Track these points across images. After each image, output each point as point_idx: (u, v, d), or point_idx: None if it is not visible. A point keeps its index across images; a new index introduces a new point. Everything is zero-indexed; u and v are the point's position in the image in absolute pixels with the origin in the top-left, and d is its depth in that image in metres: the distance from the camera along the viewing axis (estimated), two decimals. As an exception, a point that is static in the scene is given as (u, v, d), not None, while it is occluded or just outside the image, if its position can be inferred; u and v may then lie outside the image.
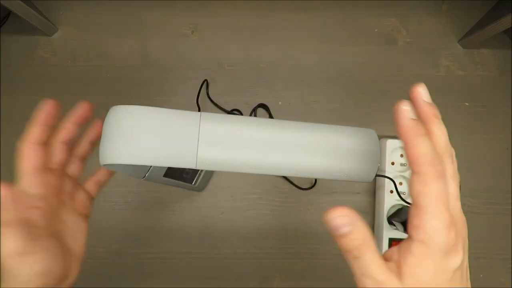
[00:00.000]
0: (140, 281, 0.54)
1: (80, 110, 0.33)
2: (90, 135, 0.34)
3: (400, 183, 0.54)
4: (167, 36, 0.58)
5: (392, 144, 0.53)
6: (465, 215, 0.52)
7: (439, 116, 0.24)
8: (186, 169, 0.44)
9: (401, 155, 0.54)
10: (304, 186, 0.55)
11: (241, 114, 0.55)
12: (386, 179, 0.52)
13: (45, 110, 0.32)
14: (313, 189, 0.56)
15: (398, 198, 0.52)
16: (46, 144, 0.31)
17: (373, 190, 0.56)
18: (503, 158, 0.57)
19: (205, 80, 0.55)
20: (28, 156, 0.30)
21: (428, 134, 0.23)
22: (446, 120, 0.59)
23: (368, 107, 0.57)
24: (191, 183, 0.47)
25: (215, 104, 0.56)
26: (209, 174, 0.53)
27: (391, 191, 0.52)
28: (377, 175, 0.53)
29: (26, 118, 0.57)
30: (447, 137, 0.24)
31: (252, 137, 0.24)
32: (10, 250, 0.25)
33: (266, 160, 0.24)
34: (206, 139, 0.23)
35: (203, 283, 0.54)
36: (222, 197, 0.55)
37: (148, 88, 0.57)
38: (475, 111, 0.58)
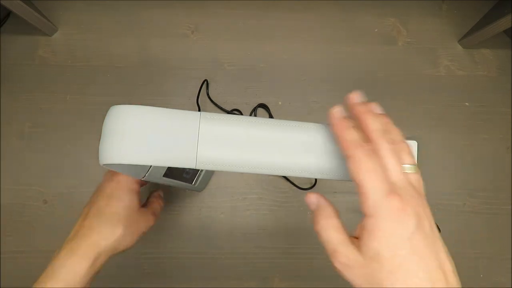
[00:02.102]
0: (140, 281, 0.54)
1: None
2: None
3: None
4: (167, 36, 0.58)
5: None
6: (465, 215, 0.52)
7: (375, 110, 0.26)
8: (186, 169, 0.44)
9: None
10: (304, 186, 0.55)
11: (241, 114, 0.55)
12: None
13: None
14: (313, 189, 0.56)
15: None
16: None
17: (373, 190, 0.56)
18: (503, 158, 0.57)
19: (205, 80, 0.55)
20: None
21: (356, 126, 0.25)
22: (446, 120, 0.59)
23: (368, 107, 0.57)
24: (191, 183, 0.47)
25: (215, 104, 0.56)
26: (209, 174, 0.52)
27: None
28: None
29: (26, 118, 0.57)
30: (380, 124, 0.25)
31: (252, 137, 0.24)
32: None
33: (266, 160, 0.24)
34: (206, 139, 0.23)
35: (203, 283, 0.54)
36: (222, 197, 0.55)
37: (148, 88, 0.57)
38: (475, 111, 0.58)
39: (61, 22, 0.58)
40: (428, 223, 0.22)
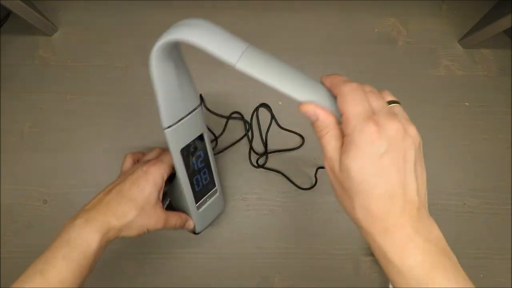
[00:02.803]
0: (140, 281, 0.54)
1: None
2: None
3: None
4: (167, 36, 0.58)
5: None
6: (465, 215, 0.53)
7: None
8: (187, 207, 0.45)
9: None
10: (304, 186, 0.55)
11: (241, 116, 0.56)
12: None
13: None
14: (313, 189, 0.56)
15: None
16: None
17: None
18: (503, 158, 0.57)
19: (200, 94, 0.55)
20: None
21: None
22: (446, 120, 0.59)
23: (368, 107, 0.57)
24: (196, 204, 0.45)
25: (211, 111, 0.56)
26: (212, 213, 0.50)
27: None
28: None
29: (26, 118, 0.57)
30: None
31: (279, 66, 0.31)
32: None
33: (286, 82, 0.30)
34: (249, 53, 0.30)
35: (203, 283, 0.54)
36: (222, 197, 0.55)
37: (148, 88, 0.57)
38: (475, 111, 0.58)
39: (61, 22, 0.58)
40: (403, 154, 0.25)
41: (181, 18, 0.61)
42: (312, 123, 0.28)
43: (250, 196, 0.56)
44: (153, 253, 0.54)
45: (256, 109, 0.56)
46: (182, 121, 0.37)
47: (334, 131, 0.26)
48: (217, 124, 0.56)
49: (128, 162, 0.44)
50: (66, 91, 0.56)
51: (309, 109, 0.27)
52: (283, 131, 0.56)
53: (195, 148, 0.42)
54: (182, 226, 0.45)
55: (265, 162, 0.56)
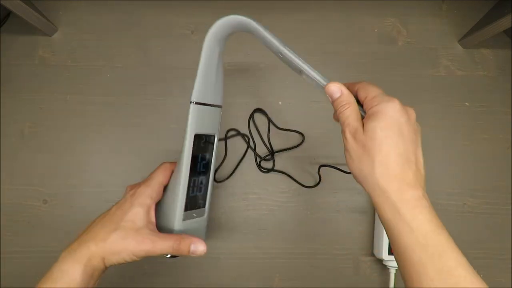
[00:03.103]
0: (140, 281, 0.54)
1: None
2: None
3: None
4: (167, 36, 0.58)
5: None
6: (465, 215, 0.53)
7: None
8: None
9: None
10: (308, 184, 0.55)
11: (238, 131, 0.56)
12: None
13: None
14: (314, 189, 0.56)
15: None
16: None
17: (373, 190, 0.56)
18: (503, 158, 0.57)
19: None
20: None
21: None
22: (446, 120, 0.59)
23: (368, 107, 0.57)
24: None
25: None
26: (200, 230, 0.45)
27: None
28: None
29: (26, 118, 0.57)
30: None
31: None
32: None
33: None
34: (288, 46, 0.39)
35: (203, 283, 0.54)
36: (222, 197, 0.55)
37: (148, 88, 0.57)
38: (475, 111, 0.58)
39: (61, 22, 0.58)
40: (414, 129, 0.31)
41: (181, 18, 0.62)
42: (335, 100, 0.33)
43: (250, 196, 0.56)
44: (153, 253, 0.54)
45: (251, 116, 0.56)
46: (207, 106, 0.41)
47: (354, 105, 0.32)
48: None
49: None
50: (66, 91, 0.56)
51: (336, 86, 0.33)
52: (281, 132, 0.56)
53: (205, 146, 0.42)
54: (182, 250, 0.38)
55: (274, 165, 0.56)
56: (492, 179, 0.56)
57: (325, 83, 0.35)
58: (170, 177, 0.41)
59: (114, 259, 0.36)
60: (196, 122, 0.40)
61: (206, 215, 0.44)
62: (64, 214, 0.54)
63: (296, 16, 0.58)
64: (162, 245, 0.37)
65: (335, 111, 0.33)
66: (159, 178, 0.40)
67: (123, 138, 0.56)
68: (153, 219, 0.38)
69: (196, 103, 0.40)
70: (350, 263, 0.55)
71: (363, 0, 0.59)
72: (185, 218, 0.41)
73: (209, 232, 0.55)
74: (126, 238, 0.35)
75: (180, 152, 0.44)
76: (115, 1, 0.58)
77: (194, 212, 0.42)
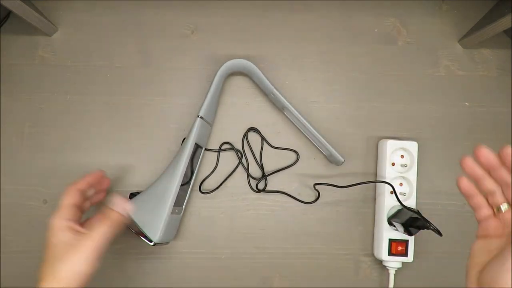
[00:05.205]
0: (140, 281, 0.54)
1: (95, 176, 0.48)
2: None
3: (401, 184, 0.54)
4: (167, 36, 0.58)
5: (392, 145, 0.53)
6: (465, 215, 0.54)
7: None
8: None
9: (402, 156, 0.54)
10: (307, 200, 0.55)
11: (232, 146, 0.56)
12: (387, 178, 0.52)
13: (94, 176, 0.48)
14: (317, 202, 0.56)
15: (400, 200, 0.52)
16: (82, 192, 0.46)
17: (374, 190, 0.56)
18: (503, 158, 0.57)
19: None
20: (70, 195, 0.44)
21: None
22: (446, 120, 0.59)
23: (368, 107, 0.57)
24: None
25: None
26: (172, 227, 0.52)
27: (391, 192, 0.52)
28: (378, 181, 0.53)
29: (26, 118, 0.57)
30: None
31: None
32: None
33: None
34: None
35: (203, 283, 0.54)
36: (222, 197, 0.55)
37: (148, 88, 0.57)
38: (475, 111, 0.58)
39: (61, 22, 0.58)
40: None
41: (181, 18, 0.62)
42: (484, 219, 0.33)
43: (250, 196, 0.56)
44: (153, 253, 0.54)
45: (245, 135, 0.56)
46: (206, 122, 0.52)
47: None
48: (208, 161, 0.56)
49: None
50: (66, 91, 0.56)
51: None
52: (276, 150, 0.56)
53: (196, 155, 0.52)
54: (116, 221, 0.43)
55: (265, 186, 0.56)
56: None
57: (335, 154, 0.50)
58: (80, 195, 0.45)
59: (81, 279, 0.39)
60: (197, 132, 0.50)
61: (181, 213, 0.53)
62: (64, 214, 0.54)
63: (296, 16, 0.58)
64: (97, 234, 0.41)
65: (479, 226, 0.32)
66: (66, 201, 0.43)
67: (123, 138, 0.56)
68: (71, 223, 0.41)
69: (201, 117, 0.51)
70: (350, 263, 0.55)
71: (363, 0, 0.59)
72: (172, 212, 0.48)
73: (209, 232, 0.55)
74: (74, 261, 0.39)
75: (176, 154, 0.50)
76: (115, 1, 0.58)
77: (176, 209, 0.50)
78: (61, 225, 0.41)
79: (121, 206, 0.43)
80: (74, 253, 0.40)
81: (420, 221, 0.46)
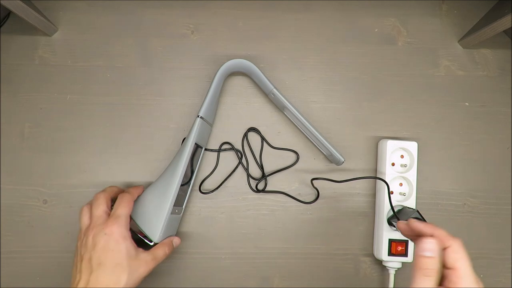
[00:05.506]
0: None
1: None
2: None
3: (400, 184, 0.54)
4: (167, 36, 0.58)
5: (392, 145, 0.53)
6: (465, 215, 0.54)
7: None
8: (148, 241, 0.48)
9: (402, 156, 0.54)
10: (307, 200, 0.55)
11: (232, 146, 0.56)
12: (386, 178, 0.52)
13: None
14: (317, 201, 0.56)
15: (396, 199, 0.52)
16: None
17: (373, 190, 0.56)
18: (503, 158, 0.57)
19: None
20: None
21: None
22: (446, 120, 0.59)
23: (368, 107, 0.57)
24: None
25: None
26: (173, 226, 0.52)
27: (391, 192, 0.52)
28: (375, 178, 0.53)
29: (26, 118, 0.57)
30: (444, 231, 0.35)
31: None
32: None
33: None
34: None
35: (203, 283, 0.54)
36: (222, 197, 0.55)
37: (148, 88, 0.57)
38: (475, 111, 0.58)
39: (61, 22, 0.58)
40: None
41: (181, 18, 0.62)
42: (422, 257, 0.32)
43: (250, 196, 0.56)
44: (153, 253, 0.54)
45: (245, 135, 0.56)
46: (206, 122, 0.52)
47: (439, 275, 0.31)
48: (208, 161, 0.56)
49: (86, 217, 0.45)
50: (66, 91, 0.56)
51: (433, 245, 0.32)
52: (276, 150, 0.56)
53: (196, 155, 0.52)
54: (171, 250, 0.48)
55: (265, 186, 0.55)
56: (492, 179, 0.57)
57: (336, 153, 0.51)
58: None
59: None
60: (197, 132, 0.50)
61: (181, 213, 0.53)
62: (64, 214, 0.54)
63: (296, 16, 0.59)
64: (159, 256, 0.45)
65: (416, 263, 0.32)
66: (126, 211, 0.44)
67: (123, 138, 0.56)
68: (134, 244, 0.43)
69: (201, 117, 0.50)
70: (350, 263, 0.55)
71: (363, 0, 0.59)
72: (172, 212, 0.48)
73: (209, 232, 0.55)
74: (135, 271, 0.41)
75: (176, 154, 0.50)
76: (115, 1, 0.58)
77: (176, 209, 0.50)
78: (124, 234, 0.42)
79: (174, 240, 0.49)
80: (138, 265, 0.42)
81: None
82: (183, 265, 0.54)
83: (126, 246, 0.41)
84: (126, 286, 0.40)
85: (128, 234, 0.42)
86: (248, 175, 0.55)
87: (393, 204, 0.52)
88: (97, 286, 0.38)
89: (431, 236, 0.33)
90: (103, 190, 0.47)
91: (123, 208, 0.44)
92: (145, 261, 0.43)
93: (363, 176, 0.55)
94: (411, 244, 0.52)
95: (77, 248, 0.43)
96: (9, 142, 0.55)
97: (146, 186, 0.51)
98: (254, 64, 0.52)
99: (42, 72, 0.57)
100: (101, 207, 0.44)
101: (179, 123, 0.56)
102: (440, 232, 0.34)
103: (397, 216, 0.48)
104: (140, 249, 0.43)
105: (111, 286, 0.39)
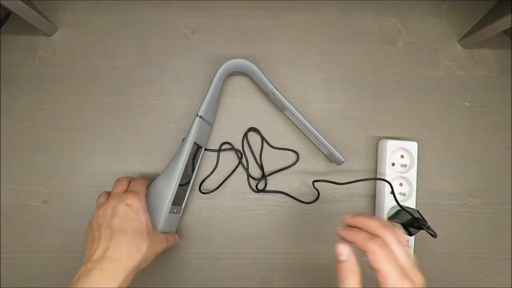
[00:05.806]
0: (140, 281, 0.54)
1: None
2: None
3: (401, 184, 0.54)
4: (167, 36, 0.58)
5: (392, 145, 0.53)
6: (465, 215, 0.53)
7: (365, 219, 0.36)
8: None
9: (402, 156, 0.54)
10: (307, 200, 0.55)
11: (232, 146, 0.56)
12: (387, 178, 0.52)
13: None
14: (317, 201, 0.56)
15: (398, 200, 0.52)
16: None
17: (373, 191, 0.56)
18: (503, 158, 0.57)
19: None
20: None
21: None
22: (446, 120, 0.59)
23: (368, 107, 0.57)
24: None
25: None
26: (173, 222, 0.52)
27: (391, 192, 0.52)
28: (378, 179, 0.53)
29: (26, 118, 0.57)
30: (377, 220, 0.35)
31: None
32: None
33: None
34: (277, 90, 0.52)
35: (203, 283, 0.54)
36: (222, 197, 0.55)
37: (148, 88, 0.57)
38: (475, 111, 0.58)
39: (61, 22, 0.58)
40: None
41: (181, 18, 0.62)
42: (340, 262, 0.34)
43: (250, 196, 0.56)
44: (153, 253, 0.54)
45: (245, 135, 0.56)
46: (206, 122, 0.51)
47: (359, 275, 0.33)
48: (208, 161, 0.56)
49: (104, 198, 0.45)
50: (66, 91, 0.56)
51: (344, 249, 0.34)
52: (276, 150, 0.56)
53: (196, 154, 0.52)
54: (174, 243, 0.50)
55: (265, 186, 0.56)
56: (492, 179, 0.57)
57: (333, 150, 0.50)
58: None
59: (146, 264, 0.41)
60: (197, 131, 0.49)
61: (181, 213, 0.53)
62: (64, 214, 0.54)
63: (296, 16, 0.59)
64: (169, 240, 0.46)
65: (336, 268, 0.34)
66: (143, 189, 0.45)
67: (123, 138, 0.56)
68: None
69: (201, 117, 0.50)
70: (350, 263, 0.55)
71: (363, 0, 0.59)
72: (170, 211, 0.48)
73: (209, 232, 0.55)
74: (153, 243, 0.42)
75: (175, 153, 0.50)
76: (115, 1, 0.58)
77: (175, 208, 0.50)
78: (144, 207, 0.42)
79: (177, 237, 0.51)
80: (156, 240, 0.42)
81: (419, 221, 0.46)
82: (183, 265, 0.54)
83: (146, 219, 0.42)
84: (145, 257, 0.40)
85: (147, 209, 0.43)
86: (248, 175, 0.55)
87: (393, 205, 0.52)
88: (117, 252, 0.37)
89: (361, 229, 0.35)
90: (124, 177, 0.48)
91: (141, 186, 0.45)
92: (161, 239, 0.44)
93: (365, 178, 0.55)
94: (411, 245, 0.52)
95: (91, 223, 0.42)
96: (9, 142, 0.55)
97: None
98: (254, 64, 0.52)
99: (42, 72, 0.57)
100: (122, 187, 0.45)
101: (179, 123, 0.56)
102: (372, 223, 0.35)
103: (406, 210, 0.48)
104: (154, 229, 0.44)
105: (133, 253, 0.38)
